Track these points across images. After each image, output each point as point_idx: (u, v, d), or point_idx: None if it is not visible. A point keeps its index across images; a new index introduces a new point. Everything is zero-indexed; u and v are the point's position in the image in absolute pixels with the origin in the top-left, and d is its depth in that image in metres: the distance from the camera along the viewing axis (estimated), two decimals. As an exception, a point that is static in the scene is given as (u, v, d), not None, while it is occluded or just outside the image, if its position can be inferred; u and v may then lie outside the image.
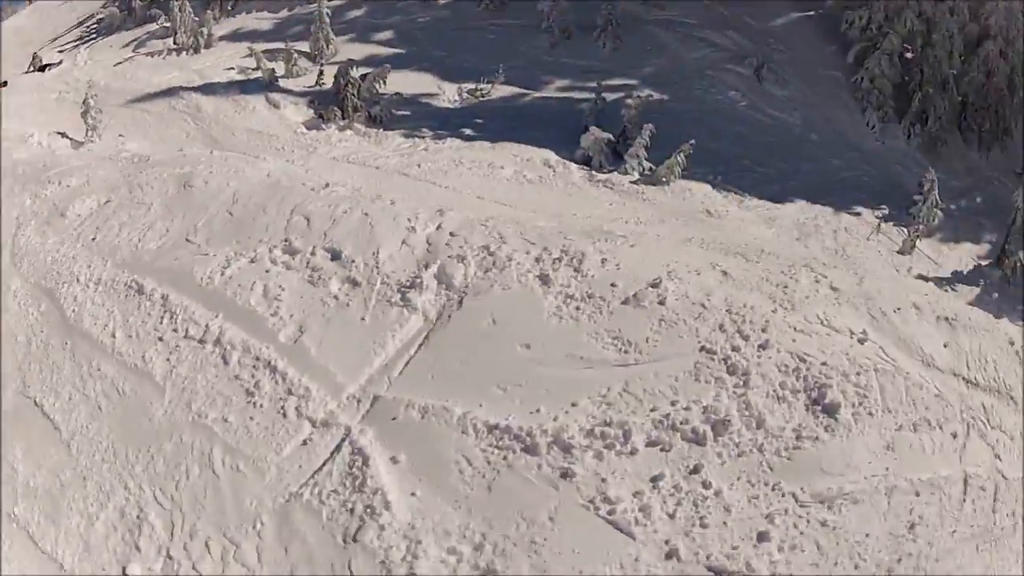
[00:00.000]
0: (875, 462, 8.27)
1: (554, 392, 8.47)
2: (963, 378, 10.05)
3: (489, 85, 21.85)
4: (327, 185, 12.53)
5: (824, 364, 9.16)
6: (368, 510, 7.30)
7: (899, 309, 10.85)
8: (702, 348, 9.13)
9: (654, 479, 7.66)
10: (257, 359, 9.03)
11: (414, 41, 24.45)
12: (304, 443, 7.95)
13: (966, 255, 23.63)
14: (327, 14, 23.49)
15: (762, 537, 7.11)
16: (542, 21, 24.78)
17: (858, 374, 9.13)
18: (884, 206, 23.65)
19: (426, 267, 10.37)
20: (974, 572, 7.70)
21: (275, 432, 8.15)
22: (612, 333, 9.29)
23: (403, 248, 10.70)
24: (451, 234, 11.13)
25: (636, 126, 18.98)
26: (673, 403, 8.45)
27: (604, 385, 8.54)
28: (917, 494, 8.14)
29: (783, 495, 7.68)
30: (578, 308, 9.68)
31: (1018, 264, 24.78)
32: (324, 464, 7.78)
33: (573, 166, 16.91)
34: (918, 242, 22.42)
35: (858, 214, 22.60)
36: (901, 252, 21.94)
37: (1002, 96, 30.59)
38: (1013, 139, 29.35)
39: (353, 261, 10.37)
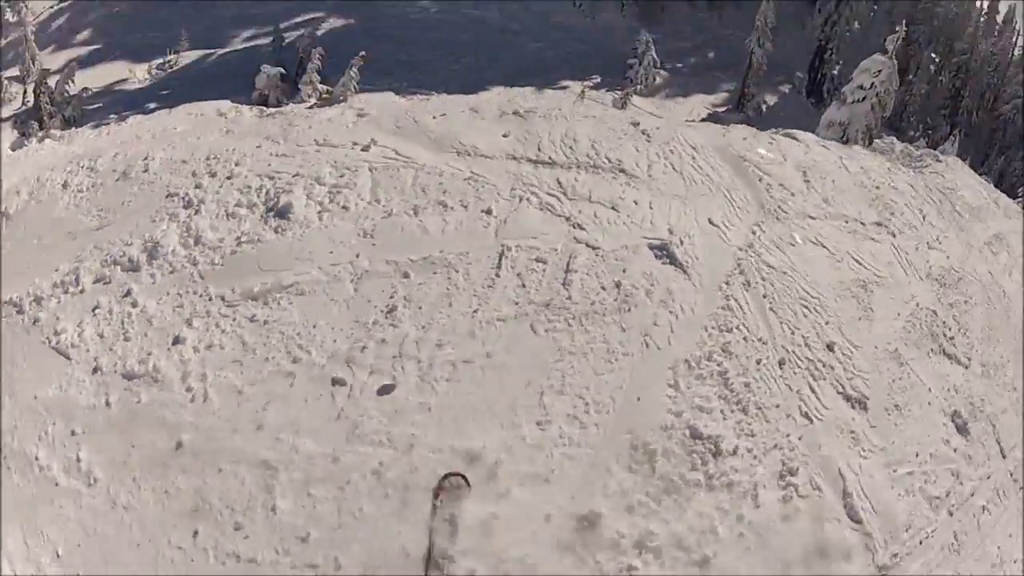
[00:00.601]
0: (339, 251, 8.21)
1: (45, 265, 9.11)
2: (528, 159, 9.90)
3: (175, 56, 22.83)
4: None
5: (296, 175, 9.37)
6: None
7: (441, 115, 10.91)
8: (168, 195, 9.64)
9: (94, 308, 8.19)
10: None
11: (110, 32, 25.49)
12: None
13: (698, 105, 23.97)
14: (31, 32, 24.02)
15: (176, 340, 7.46)
16: None
17: (341, 176, 9.26)
18: (596, 76, 23.55)
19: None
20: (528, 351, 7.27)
21: None
22: (99, 206, 10.01)
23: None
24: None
25: (310, 55, 19.39)
26: (126, 243, 9.00)
27: (81, 248, 9.19)
28: (406, 276, 7.93)
29: (210, 299, 7.88)
30: (82, 196, 10.40)
31: (761, 104, 25.27)
32: None
33: (245, 108, 17.12)
34: (638, 100, 21.89)
35: (565, 87, 22.54)
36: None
37: (732, -42, 30.99)
38: (748, -4, 29.30)
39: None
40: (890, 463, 7.75)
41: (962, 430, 9.08)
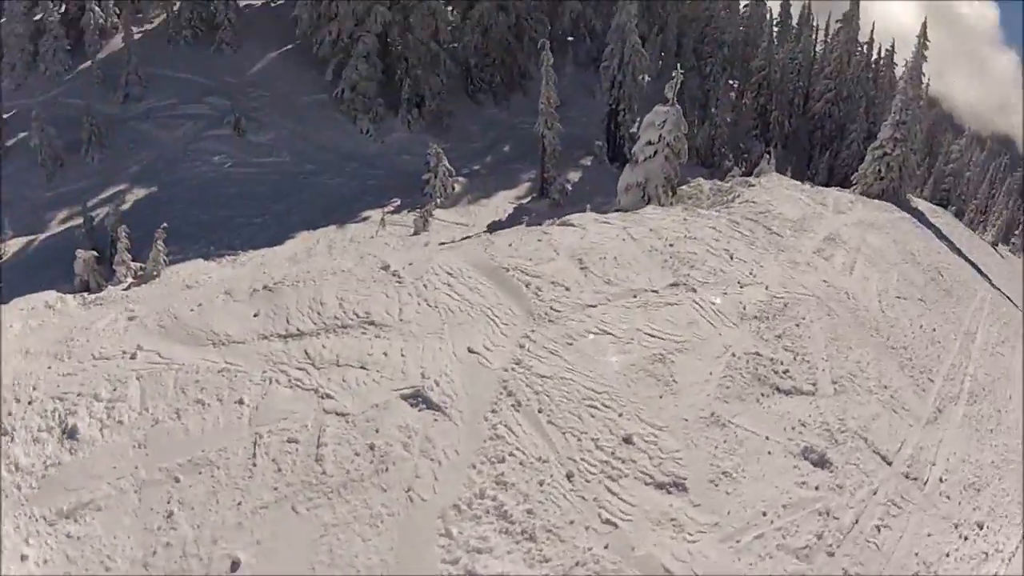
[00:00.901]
0: (121, 465, 9.06)
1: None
2: (277, 335, 10.82)
3: (2, 245, 23.29)
4: None
5: (79, 394, 10.23)
6: None
7: (198, 306, 11.87)
8: (-13, 427, 10.20)
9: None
10: None
11: (-52, 224, 25.11)
12: None
13: (503, 202, 25.32)
14: None
15: (23, 557, 8.38)
16: (37, 156, 26.57)
17: (115, 390, 10.15)
18: (396, 199, 24.49)
19: None
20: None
21: None
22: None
23: None
24: None
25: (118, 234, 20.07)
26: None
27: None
28: (177, 480, 8.84)
29: (36, 520, 8.74)
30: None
31: (565, 185, 26.33)
32: None
33: (69, 298, 17.22)
34: (440, 213, 23.29)
35: (366, 219, 23.45)
36: (416, 232, 22.14)
37: (507, 46, 32.19)
38: (533, 79, 30.65)
39: None
40: (729, 536, 8.09)
41: (821, 463, 9.52)
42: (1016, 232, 40.35)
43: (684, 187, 19.94)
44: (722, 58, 37.08)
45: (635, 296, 11.58)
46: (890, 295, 15.69)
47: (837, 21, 39.97)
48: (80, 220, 23.11)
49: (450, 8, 32.12)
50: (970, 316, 17.46)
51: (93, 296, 17.10)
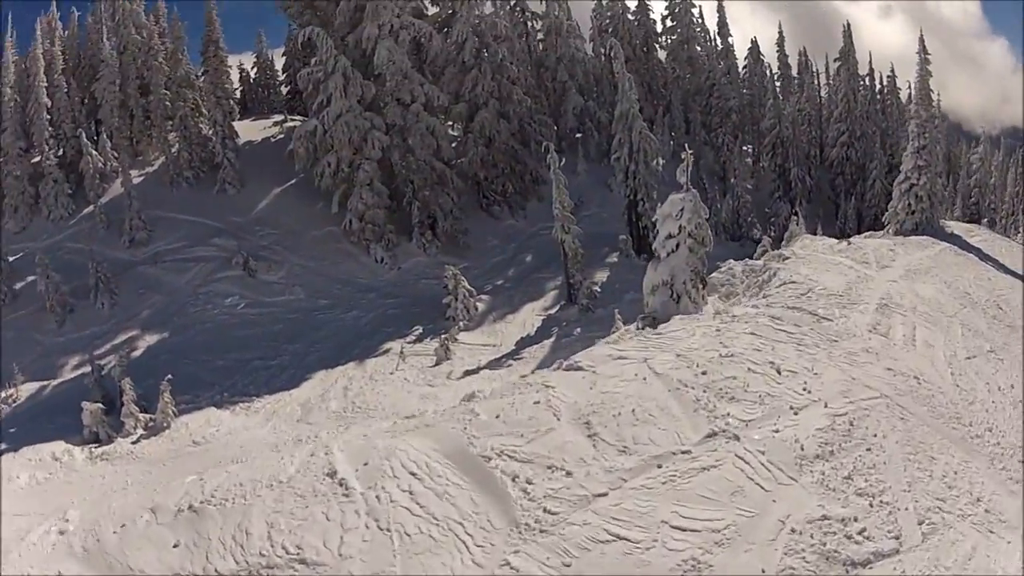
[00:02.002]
0: None
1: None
2: None
3: (13, 390, 21.89)
4: None
5: None
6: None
7: (121, 527, 10.27)
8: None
9: None
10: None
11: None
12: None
13: (530, 315, 22.55)
14: None
15: None
16: (45, 301, 24.88)
17: None
18: (417, 327, 21.93)
19: None
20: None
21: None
22: None
23: None
24: None
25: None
26: None
27: None
28: None
29: None
30: None
31: (592, 288, 22.60)
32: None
33: (76, 451, 17.64)
34: (465, 336, 20.95)
35: (387, 351, 20.93)
36: (438, 362, 19.59)
37: (513, 154, 29.82)
38: (547, 183, 27.45)
39: None
40: None
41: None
42: (1045, 222, 35.93)
43: (715, 274, 16.82)
44: (732, 125, 34.16)
45: (660, 466, 8.57)
46: (959, 359, 12.95)
47: (835, 60, 36.79)
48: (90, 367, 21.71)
49: (449, 124, 29.72)
50: (1040, 348, 14.69)
51: (100, 450, 17.44)
